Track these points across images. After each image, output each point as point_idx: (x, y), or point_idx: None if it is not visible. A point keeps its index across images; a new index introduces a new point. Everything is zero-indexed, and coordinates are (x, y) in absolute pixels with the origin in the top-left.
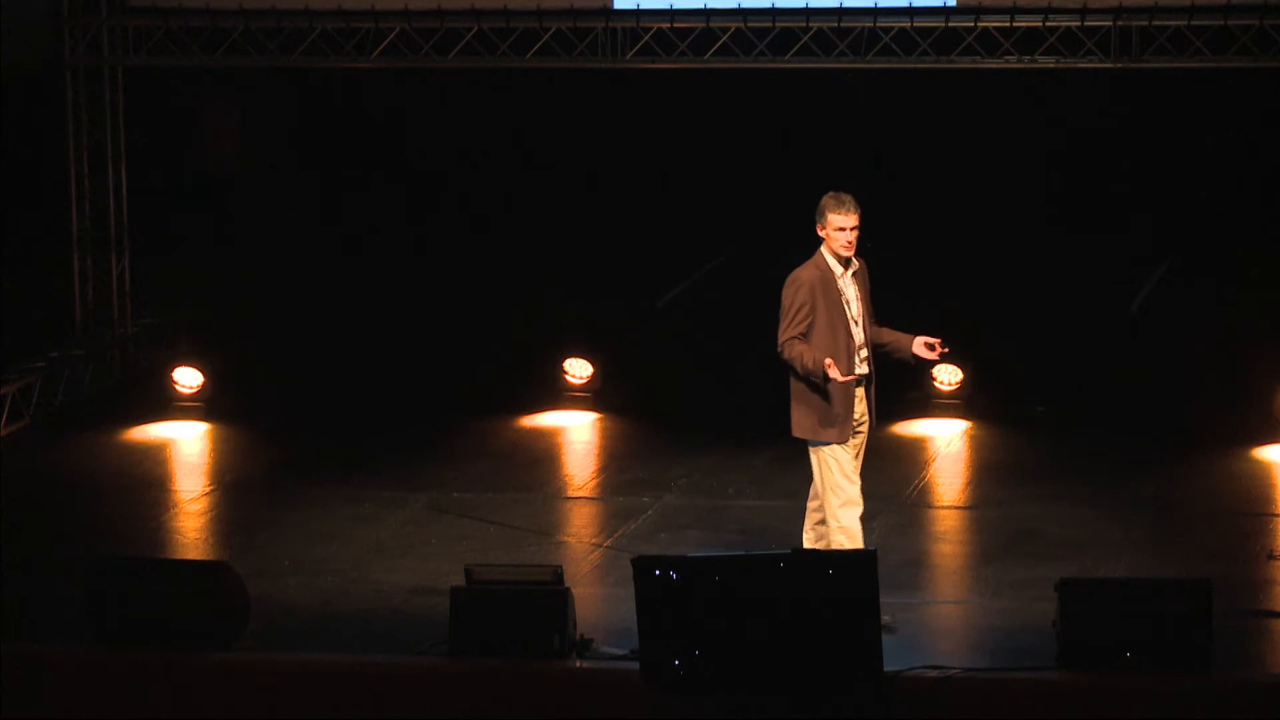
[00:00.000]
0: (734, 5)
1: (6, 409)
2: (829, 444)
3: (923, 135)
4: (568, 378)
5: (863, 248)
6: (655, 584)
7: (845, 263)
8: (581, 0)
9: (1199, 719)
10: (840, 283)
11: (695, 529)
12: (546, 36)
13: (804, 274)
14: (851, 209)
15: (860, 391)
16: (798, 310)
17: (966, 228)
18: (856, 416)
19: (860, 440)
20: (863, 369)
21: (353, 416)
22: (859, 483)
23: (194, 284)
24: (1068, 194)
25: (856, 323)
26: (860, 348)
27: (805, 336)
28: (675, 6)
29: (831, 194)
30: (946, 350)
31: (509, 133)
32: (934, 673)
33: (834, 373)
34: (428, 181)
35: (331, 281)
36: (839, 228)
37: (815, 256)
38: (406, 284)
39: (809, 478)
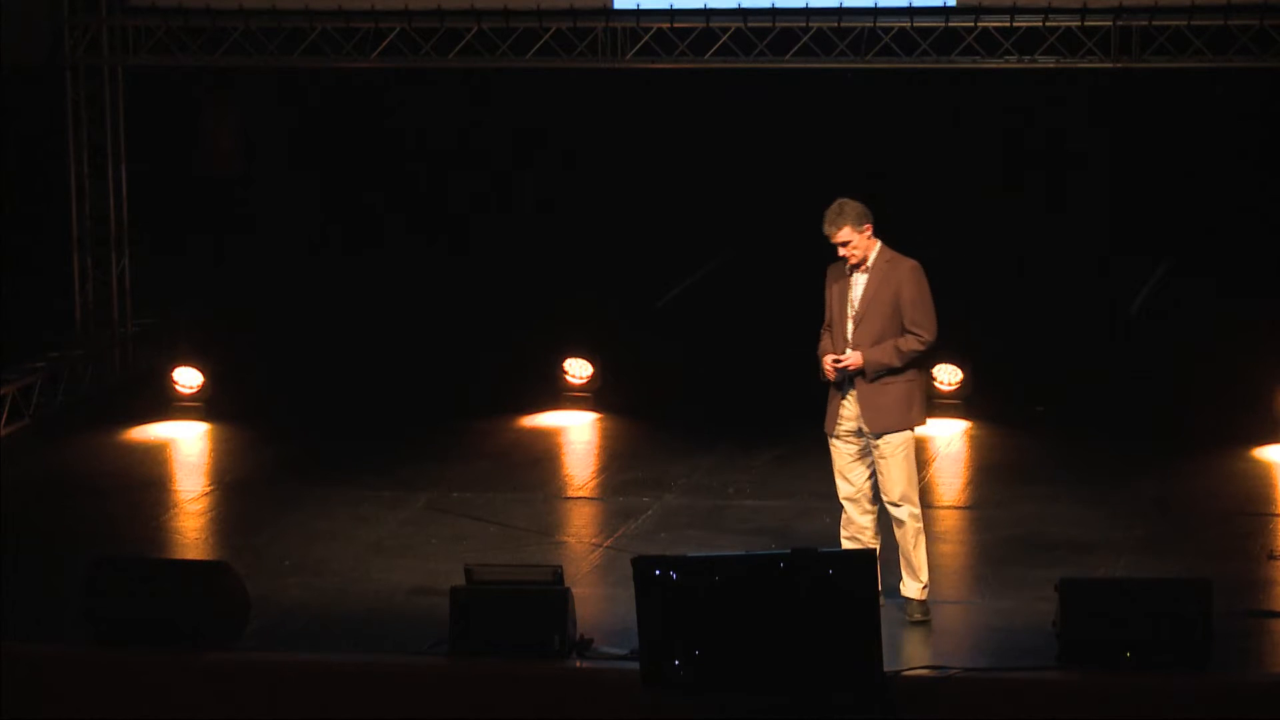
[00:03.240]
0: (734, 5)
1: (6, 409)
2: (826, 435)
3: (922, 134)
4: (568, 378)
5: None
6: (655, 584)
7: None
8: (581, 0)
9: (1199, 719)
10: (854, 278)
11: (695, 529)
12: (546, 36)
13: (830, 266)
14: (830, 225)
15: (854, 393)
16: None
17: (967, 227)
18: (845, 417)
19: (864, 445)
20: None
21: (352, 416)
22: (851, 484)
23: (194, 284)
24: (1067, 193)
25: (854, 323)
26: (849, 348)
27: (830, 327)
28: (675, 6)
29: None
30: (839, 365)
31: (509, 132)
32: (934, 673)
33: (824, 366)
34: (428, 181)
35: (332, 281)
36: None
37: None
38: (407, 284)
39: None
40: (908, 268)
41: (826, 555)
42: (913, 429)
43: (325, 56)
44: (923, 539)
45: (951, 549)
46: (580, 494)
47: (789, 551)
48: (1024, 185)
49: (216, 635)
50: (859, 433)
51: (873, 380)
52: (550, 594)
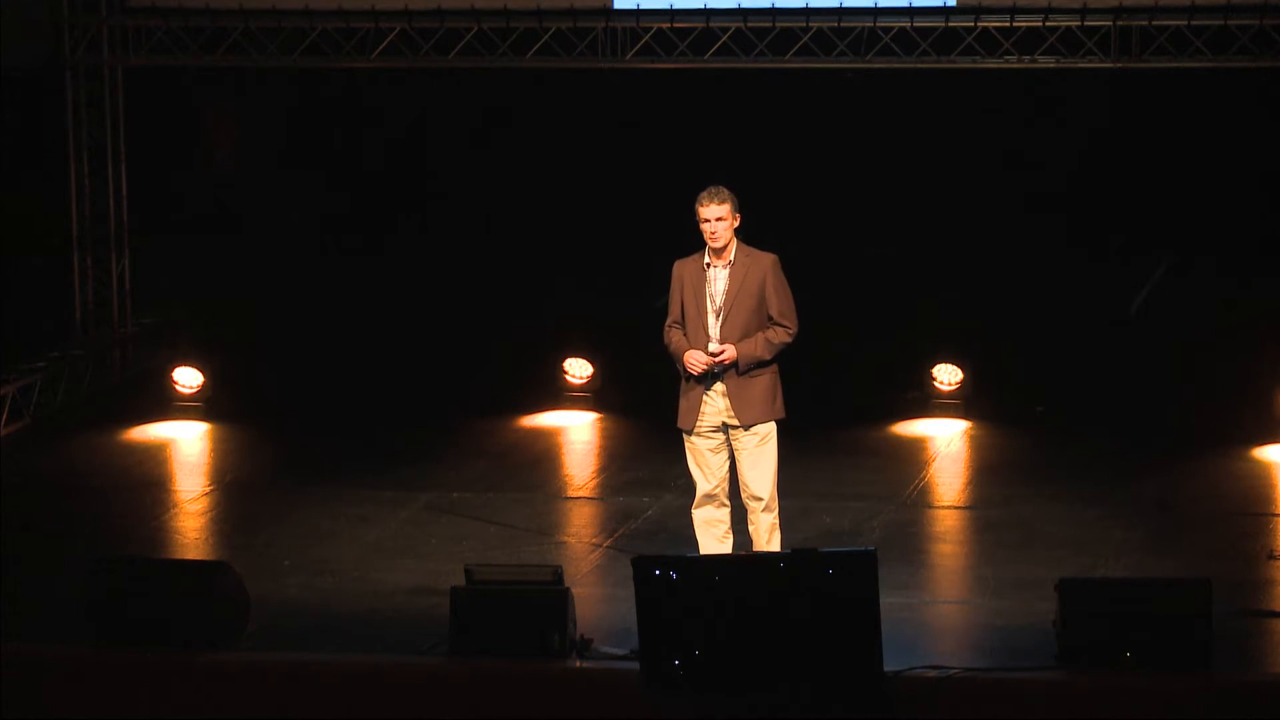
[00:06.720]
0: (734, 5)
1: (6, 409)
2: (683, 431)
3: (921, 134)
4: (568, 378)
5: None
6: (655, 584)
7: (717, 254)
8: (581, 0)
9: (1199, 719)
10: (710, 273)
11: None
12: (546, 36)
13: (678, 262)
14: (712, 200)
15: (722, 387)
16: (669, 298)
17: (966, 227)
18: (708, 412)
19: (733, 440)
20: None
21: (353, 416)
22: (714, 480)
23: (194, 284)
24: (1068, 193)
25: (717, 317)
26: (715, 343)
27: (680, 323)
28: (675, 6)
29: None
30: (718, 359)
31: (508, 131)
32: (934, 673)
33: (689, 361)
34: (428, 181)
35: (331, 281)
36: (703, 219)
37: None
38: (407, 284)
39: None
40: (770, 261)
41: (826, 555)
42: (775, 421)
43: (325, 56)
44: (777, 535)
45: (951, 549)
46: (580, 494)
47: (789, 551)
48: (1024, 185)
49: (216, 635)
50: (721, 428)
51: (744, 374)
52: (550, 594)
